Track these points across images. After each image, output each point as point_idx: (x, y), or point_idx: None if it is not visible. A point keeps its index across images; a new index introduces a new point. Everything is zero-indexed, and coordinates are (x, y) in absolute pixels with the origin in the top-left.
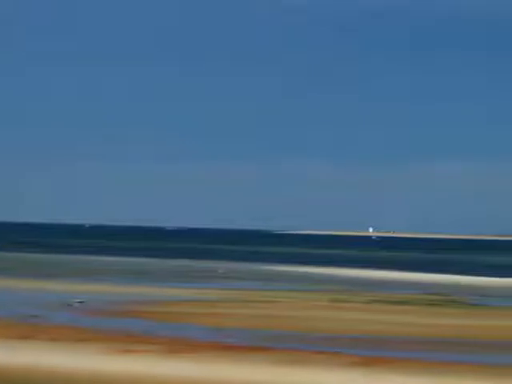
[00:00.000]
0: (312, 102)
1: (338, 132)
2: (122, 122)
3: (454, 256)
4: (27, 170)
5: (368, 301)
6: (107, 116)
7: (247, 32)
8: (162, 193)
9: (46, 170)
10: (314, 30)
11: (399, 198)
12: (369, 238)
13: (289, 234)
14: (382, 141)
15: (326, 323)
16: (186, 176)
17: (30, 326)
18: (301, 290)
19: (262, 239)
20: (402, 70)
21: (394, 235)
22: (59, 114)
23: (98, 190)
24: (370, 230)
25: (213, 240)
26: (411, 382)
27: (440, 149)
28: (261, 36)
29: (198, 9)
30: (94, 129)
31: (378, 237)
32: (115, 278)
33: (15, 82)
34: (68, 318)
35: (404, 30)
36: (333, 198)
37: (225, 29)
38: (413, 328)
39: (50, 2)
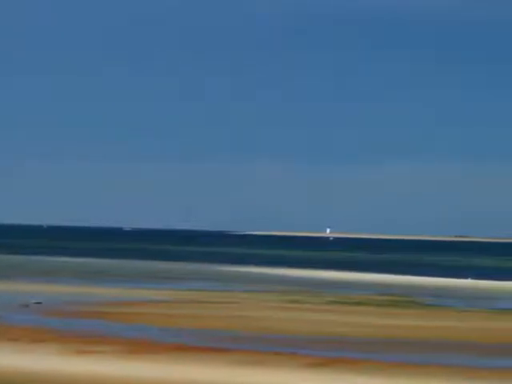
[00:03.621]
0: (265, 102)
1: (289, 132)
2: (78, 121)
3: (408, 257)
4: None
5: (325, 302)
6: (62, 116)
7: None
8: (118, 193)
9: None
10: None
11: (355, 199)
12: (326, 238)
13: (245, 235)
14: (340, 141)
15: (284, 324)
16: (144, 177)
17: None
18: (257, 291)
19: (218, 240)
20: (352, 69)
21: (351, 236)
22: (10, 115)
23: (55, 190)
24: (328, 230)
25: (170, 241)
26: (369, 383)
27: (392, 149)
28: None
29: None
30: (51, 128)
31: (334, 238)
32: (72, 279)
33: None
34: (26, 318)
35: (364, 31)
36: (290, 199)
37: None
38: (370, 329)
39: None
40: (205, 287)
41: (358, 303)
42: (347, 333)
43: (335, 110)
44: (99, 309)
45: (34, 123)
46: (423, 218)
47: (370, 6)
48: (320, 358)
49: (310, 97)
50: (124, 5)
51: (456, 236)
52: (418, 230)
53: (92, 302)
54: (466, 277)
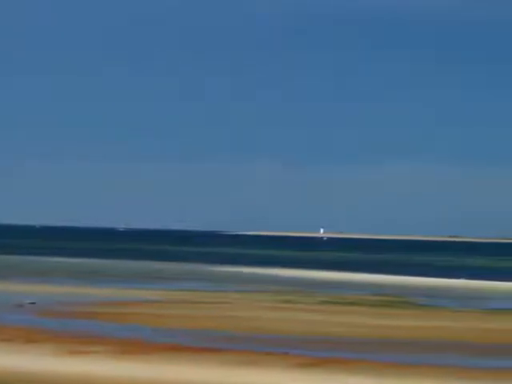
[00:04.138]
0: (265, 102)
1: (287, 132)
2: (78, 121)
3: (401, 257)
4: None
5: (318, 302)
6: (62, 116)
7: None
8: (118, 193)
9: None
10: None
11: (349, 199)
12: (319, 238)
13: (238, 235)
14: (340, 141)
15: (276, 324)
16: (144, 177)
17: None
18: (250, 291)
19: (211, 240)
20: (352, 69)
21: (344, 236)
22: (10, 115)
23: (55, 190)
24: (321, 230)
25: (164, 241)
26: (362, 383)
27: (390, 149)
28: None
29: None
30: (51, 128)
31: (328, 238)
32: (66, 279)
33: None
34: (20, 318)
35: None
36: (283, 199)
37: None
38: (363, 329)
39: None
40: (197, 287)
41: (351, 303)
42: (340, 333)
43: (335, 110)
44: (93, 309)
45: (34, 123)
46: (422, 218)
47: (370, 6)
48: (312, 358)
49: (310, 97)
50: (124, 5)
51: (449, 236)
52: (417, 231)
53: (86, 302)
54: (458, 277)
